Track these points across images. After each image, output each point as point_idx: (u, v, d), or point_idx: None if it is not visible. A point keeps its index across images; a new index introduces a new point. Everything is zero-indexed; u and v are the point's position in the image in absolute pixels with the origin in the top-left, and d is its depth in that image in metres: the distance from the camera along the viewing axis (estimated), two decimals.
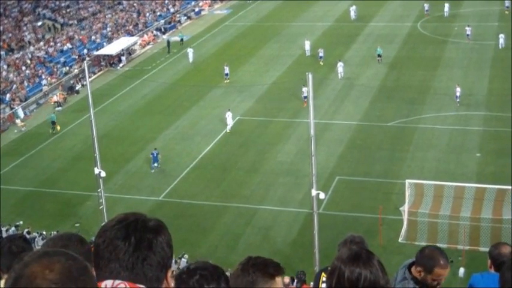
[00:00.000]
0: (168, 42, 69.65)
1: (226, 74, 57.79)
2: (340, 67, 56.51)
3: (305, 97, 46.90)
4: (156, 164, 42.22)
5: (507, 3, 72.72)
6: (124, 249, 2.72)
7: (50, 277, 2.29)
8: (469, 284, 6.94)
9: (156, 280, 2.76)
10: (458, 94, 48.98)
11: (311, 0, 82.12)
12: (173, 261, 30.04)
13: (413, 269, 5.62)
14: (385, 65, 58.49)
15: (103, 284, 2.69)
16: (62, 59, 64.08)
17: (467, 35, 63.84)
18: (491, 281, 6.36)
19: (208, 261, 3.74)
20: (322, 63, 59.67)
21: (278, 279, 3.82)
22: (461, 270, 28.77)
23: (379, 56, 59.77)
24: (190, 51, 65.25)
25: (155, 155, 42.29)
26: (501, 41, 60.90)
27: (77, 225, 36.24)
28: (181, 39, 70.56)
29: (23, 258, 2.43)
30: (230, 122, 47.45)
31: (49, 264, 2.33)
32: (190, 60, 64.41)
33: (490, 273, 6.57)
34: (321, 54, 60.41)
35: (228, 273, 3.75)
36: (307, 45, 63.14)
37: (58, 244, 3.47)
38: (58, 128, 50.47)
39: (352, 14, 74.09)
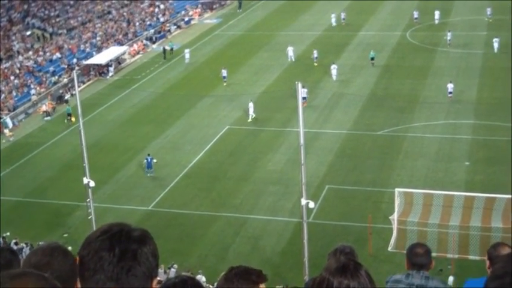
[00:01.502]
0: (164, 49, 69.74)
1: (224, 77, 59.02)
2: (333, 69, 57.91)
3: (304, 98, 46.67)
4: (151, 169, 42.29)
5: (489, 12, 73.42)
6: (109, 260, 2.70)
7: None
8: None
9: None
10: (450, 90, 51.03)
11: (301, 10, 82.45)
12: (162, 271, 29.99)
13: None
14: (375, 74, 58.67)
15: None
16: (51, 69, 63.92)
17: (448, 40, 65.28)
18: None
19: (190, 276, 3.81)
20: (316, 64, 61.62)
21: (262, 286, 3.89)
22: (451, 279, 28.80)
23: (372, 59, 60.94)
24: (187, 53, 66.74)
25: (149, 160, 42.22)
26: (496, 45, 61.87)
27: (66, 235, 36.03)
28: (171, 49, 70.61)
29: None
30: (252, 112, 50.16)
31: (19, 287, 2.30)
32: (187, 61, 66.09)
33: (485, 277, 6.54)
34: (315, 55, 62.44)
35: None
36: (291, 51, 64.26)
37: (42, 260, 3.41)
38: (73, 119, 51.28)
39: (333, 21, 75.27)
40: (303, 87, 49.36)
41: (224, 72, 59.36)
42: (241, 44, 71.88)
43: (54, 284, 2.37)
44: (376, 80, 57.19)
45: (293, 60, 63.91)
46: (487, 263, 6.79)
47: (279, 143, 46.09)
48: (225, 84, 58.95)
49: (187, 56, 66.69)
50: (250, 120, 50.21)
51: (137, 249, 2.73)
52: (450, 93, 51.61)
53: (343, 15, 76.31)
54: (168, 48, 70.44)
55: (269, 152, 44.77)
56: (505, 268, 1.99)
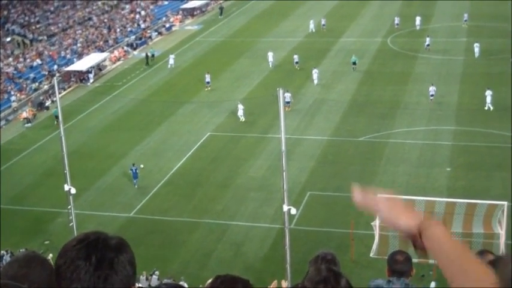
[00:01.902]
0: (147, 55, 69.67)
1: (208, 82, 59.22)
2: (315, 74, 58.57)
3: (288, 102, 49.66)
4: (135, 181, 41.75)
5: (465, 17, 74.21)
6: (85, 269, 2.66)
7: None
8: None
9: None
10: (432, 93, 52.06)
11: (282, 16, 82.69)
12: (144, 277, 29.85)
13: None
14: (356, 80, 58.90)
15: None
16: (32, 75, 63.57)
17: (427, 45, 65.92)
18: None
19: (176, 282, 3.76)
20: (298, 68, 62.60)
21: None
22: (433, 284, 28.92)
23: (354, 64, 61.58)
24: (171, 58, 67.29)
25: (134, 170, 41.77)
26: (476, 49, 62.63)
27: (47, 242, 35.79)
28: (153, 55, 70.52)
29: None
30: (241, 113, 51.18)
31: None
32: (169, 66, 66.59)
33: None
34: (296, 59, 63.37)
35: None
36: (271, 56, 64.72)
37: (20, 271, 3.34)
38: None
39: (311, 28, 75.69)
40: (287, 91, 51.21)
41: (208, 78, 59.53)
42: (222, 50, 71.92)
43: None
44: (358, 86, 57.39)
45: (273, 66, 64.21)
46: None
47: (261, 149, 46.09)
48: (208, 89, 59.14)
49: (171, 61, 66.92)
50: (242, 120, 50.76)
51: (114, 257, 2.69)
52: (432, 95, 52.46)
53: (323, 21, 76.69)
54: (149, 54, 70.34)
55: (251, 158, 44.76)
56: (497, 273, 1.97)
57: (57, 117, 52.80)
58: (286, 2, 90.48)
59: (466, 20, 73.88)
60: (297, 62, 63.24)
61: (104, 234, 2.80)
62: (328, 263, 6.09)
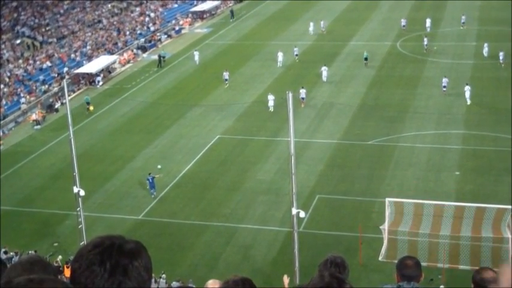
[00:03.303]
0: (160, 56, 69.87)
1: (226, 80, 60.97)
2: (324, 71, 59.83)
3: (303, 98, 53.14)
4: (152, 190, 40.92)
5: (463, 19, 74.45)
6: (99, 275, 2.67)
7: None
8: None
9: None
10: (445, 84, 54.38)
11: (291, 20, 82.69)
12: (152, 280, 29.88)
13: None
14: (365, 84, 58.83)
15: None
16: (41, 77, 63.78)
17: (425, 45, 67.25)
18: None
19: (185, 285, 3.81)
20: (297, 60, 66.19)
21: None
22: None
23: (365, 59, 63.35)
24: (196, 54, 69.03)
25: (151, 180, 40.95)
26: (485, 50, 63.75)
27: (56, 244, 35.91)
28: (164, 57, 70.75)
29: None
30: (272, 104, 52.76)
31: None
32: (197, 62, 68.41)
33: None
34: (296, 52, 66.80)
35: None
36: (280, 56, 65.57)
37: (22, 275, 3.33)
38: (91, 108, 56.74)
39: (311, 30, 76.48)
40: (302, 87, 54.14)
41: (226, 75, 61.12)
42: (231, 53, 71.97)
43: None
44: (367, 90, 57.31)
45: (281, 65, 65.20)
46: (472, 286, 6.87)
47: (270, 152, 46.07)
48: (226, 86, 60.51)
49: (196, 57, 68.86)
50: (271, 111, 52.17)
51: (128, 264, 2.70)
52: (444, 87, 54.30)
53: (322, 24, 76.99)
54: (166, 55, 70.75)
55: (259, 162, 44.75)
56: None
57: (88, 103, 57.01)
58: (296, 5, 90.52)
59: (463, 23, 74.37)
60: (296, 55, 66.39)
61: (120, 239, 2.80)
62: (338, 267, 6.10)
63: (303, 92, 53.78)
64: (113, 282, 2.66)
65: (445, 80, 54.91)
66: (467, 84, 53.36)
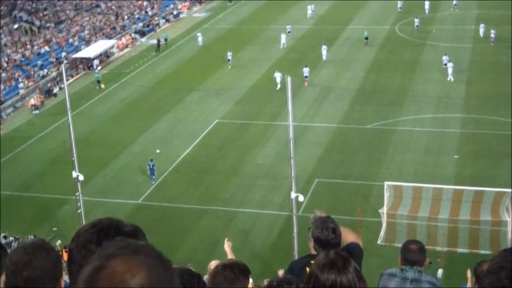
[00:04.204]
0: (158, 41, 69.68)
1: (229, 60, 61.81)
2: (324, 50, 60.85)
3: (306, 77, 54.53)
4: (153, 177, 40.93)
5: (455, 2, 74.65)
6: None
7: (131, 282, 2.12)
8: None
9: None
10: (445, 62, 55.37)
11: (290, 4, 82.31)
12: None
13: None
14: (364, 68, 58.74)
15: None
16: (39, 62, 63.60)
17: (416, 26, 68.48)
18: None
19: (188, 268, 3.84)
20: (289, 37, 67.58)
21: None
22: (440, 272, 28.89)
23: (366, 38, 64.59)
24: (199, 36, 69.56)
25: (151, 166, 41.00)
26: (481, 30, 64.49)
27: (55, 229, 35.96)
28: (166, 39, 70.83)
29: (108, 247, 2.27)
30: (279, 80, 52.93)
31: (134, 267, 2.15)
32: (200, 43, 68.96)
33: None
34: (288, 29, 68.62)
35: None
36: (283, 38, 66.25)
37: (24, 258, 3.32)
38: (103, 86, 58.22)
39: (309, 13, 76.74)
40: (305, 66, 55.33)
41: (229, 55, 61.80)
42: (230, 37, 71.76)
43: (172, 277, 2.24)
44: (366, 74, 57.23)
45: (285, 47, 65.93)
46: (473, 279, 6.88)
47: (268, 136, 46.06)
48: (230, 67, 61.13)
49: (200, 39, 69.28)
50: (278, 88, 52.39)
51: None
52: (445, 64, 55.35)
53: (312, 7, 77.04)
54: (162, 40, 70.40)
55: (258, 146, 44.75)
56: (501, 263, 1.94)
57: (99, 81, 58.68)
58: None
59: (455, 5, 74.57)
60: (289, 32, 68.48)
61: (118, 221, 2.79)
62: (334, 233, 6.16)
63: (306, 71, 54.92)
64: None
65: (445, 58, 56.03)
66: (450, 61, 54.82)
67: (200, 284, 4.16)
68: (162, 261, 2.22)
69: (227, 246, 8.89)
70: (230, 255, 8.51)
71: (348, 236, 6.51)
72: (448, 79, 53.89)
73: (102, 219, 2.81)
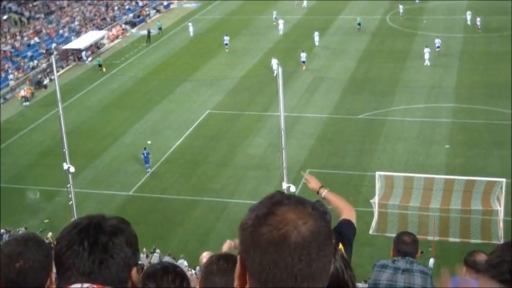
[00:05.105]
0: (148, 31, 69.44)
1: (226, 44, 63.09)
2: (316, 36, 61.92)
3: (303, 61, 55.92)
4: (147, 165, 40.99)
5: None
6: (79, 255, 2.63)
7: (301, 229, 2.15)
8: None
9: (118, 282, 2.67)
10: (438, 45, 57.37)
11: None
12: (144, 255, 29.92)
13: None
14: (355, 58, 58.76)
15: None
16: (29, 53, 63.29)
17: (400, 12, 70.17)
18: None
19: (172, 263, 3.83)
20: (274, 24, 67.98)
21: None
22: (431, 261, 28.99)
23: (358, 24, 65.68)
24: (190, 26, 69.68)
25: (145, 155, 41.09)
26: (468, 17, 65.63)
27: (46, 221, 35.87)
28: (160, 28, 70.90)
29: (275, 197, 2.31)
30: (276, 67, 51.68)
31: (304, 216, 2.19)
32: (191, 34, 68.95)
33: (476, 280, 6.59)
34: (274, 15, 69.33)
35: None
36: (281, 24, 67.36)
37: (16, 249, 3.33)
38: (104, 69, 59.87)
39: (304, 4, 77.66)
40: (302, 51, 56.45)
41: (226, 40, 62.89)
42: (220, 28, 71.53)
43: (330, 230, 2.28)
44: (357, 64, 57.25)
45: (281, 34, 66.86)
46: (464, 270, 6.91)
47: (260, 127, 46.04)
48: (227, 50, 62.36)
49: (191, 28, 69.33)
50: (275, 75, 51.48)
51: (108, 241, 2.65)
52: (438, 47, 57.20)
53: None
54: (154, 30, 70.25)
55: (249, 136, 44.73)
56: (501, 256, 1.93)
57: (100, 65, 59.99)
58: None
59: None
60: (275, 18, 69.79)
61: (98, 218, 2.76)
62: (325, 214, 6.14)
63: (303, 56, 56.24)
64: (94, 261, 2.63)
65: (437, 41, 57.39)
66: (426, 47, 56.06)
67: (184, 285, 4.14)
68: (323, 215, 2.27)
69: (226, 246, 8.75)
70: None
71: (341, 207, 6.56)
72: (425, 64, 54.98)
73: (83, 219, 2.78)
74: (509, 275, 1.90)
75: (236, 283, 2.27)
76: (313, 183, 6.87)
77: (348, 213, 6.62)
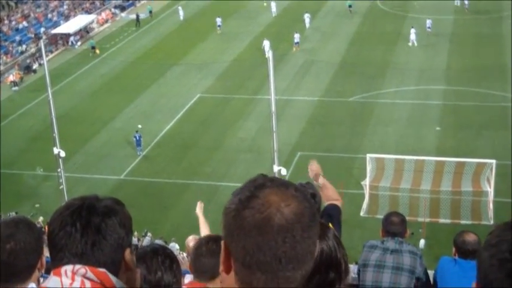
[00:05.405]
0: (137, 16, 69.11)
1: (219, 26, 63.67)
2: (307, 18, 61.97)
3: (297, 43, 56.28)
4: (139, 148, 41.06)
5: None
6: (72, 236, 2.61)
7: (284, 212, 2.13)
8: (439, 267, 6.99)
9: (111, 263, 2.65)
10: (429, 25, 58.06)
11: None
12: (136, 239, 29.92)
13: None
14: (346, 40, 58.70)
15: (62, 269, 2.58)
16: (18, 38, 62.88)
17: None
18: (467, 268, 6.41)
19: (162, 245, 3.84)
20: (265, 4, 68.84)
21: None
22: (422, 242, 29.15)
23: (349, 6, 65.67)
24: (180, 10, 69.45)
25: (137, 138, 41.11)
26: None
27: (37, 205, 35.81)
28: (150, 12, 70.61)
29: (257, 180, 2.30)
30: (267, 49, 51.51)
31: (286, 198, 2.17)
32: (181, 17, 68.68)
33: (466, 260, 6.63)
34: (273, 9, 68.09)
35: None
36: (274, 7, 67.67)
37: (6, 231, 3.33)
38: (97, 51, 59.83)
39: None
40: (296, 32, 56.83)
41: (219, 21, 63.18)
42: (210, 11, 71.17)
43: (315, 212, 2.25)
44: (348, 47, 57.19)
45: (274, 16, 67.30)
46: (453, 249, 6.95)
47: (251, 110, 46.01)
48: (219, 32, 62.80)
49: (181, 12, 68.99)
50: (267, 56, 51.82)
51: (100, 222, 2.63)
52: (429, 27, 58.01)
53: None
54: (144, 14, 69.89)
55: (240, 120, 44.71)
56: (501, 236, 1.93)
57: (93, 47, 60.13)
58: None
59: None
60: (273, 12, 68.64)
61: (92, 198, 2.73)
62: (313, 197, 6.18)
63: (297, 37, 56.69)
64: (86, 243, 2.60)
65: (429, 22, 58.04)
66: (412, 27, 56.61)
67: (174, 266, 4.15)
68: (306, 196, 2.25)
69: (199, 208, 8.72)
70: (202, 219, 8.39)
71: (327, 193, 6.62)
72: (410, 44, 55.53)
73: (75, 200, 2.75)
74: (509, 253, 1.89)
75: (221, 268, 2.23)
76: (316, 169, 7.58)
77: (334, 195, 6.77)
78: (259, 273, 2.13)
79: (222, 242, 2.23)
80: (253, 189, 2.22)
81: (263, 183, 2.24)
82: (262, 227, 2.11)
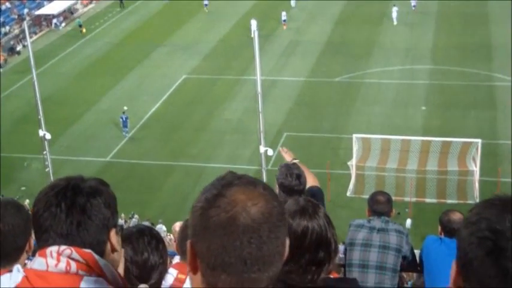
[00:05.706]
0: None
1: (206, 4, 63.81)
2: None
3: (284, 20, 57.04)
4: (125, 129, 41.04)
5: None
6: (57, 216, 2.59)
7: (251, 211, 2.06)
8: (425, 246, 7.02)
9: (97, 243, 2.63)
10: (414, 4, 58.73)
11: None
12: (122, 221, 29.89)
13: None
14: (332, 21, 58.57)
15: (48, 250, 2.56)
16: (1, 19, 62.25)
17: None
18: (453, 247, 6.43)
19: (148, 226, 3.83)
20: None
21: None
22: (408, 221, 29.34)
23: None
24: None
25: (124, 119, 41.04)
26: None
27: (23, 188, 35.69)
28: None
29: (225, 178, 2.23)
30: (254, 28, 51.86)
31: (254, 197, 2.10)
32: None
33: (452, 239, 6.66)
34: None
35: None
36: None
37: None
38: (84, 30, 60.65)
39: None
40: (283, 10, 57.42)
41: (206, 0, 63.84)
42: None
43: (283, 211, 2.18)
44: (333, 27, 57.08)
45: None
46: (439, 228, 7.00)
47: (237, 91, 45.93)
48: (206, 11, 63.36)
49: None
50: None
51: (85, 202, 2.61)
52: (414, 6, 58.69)
53: None
54: None
55: (226, 101, 44.63)
56: (481, 214, 1.91)
57: (80, 26, 60.47)
58: None
59: None
60: None
61: (76, 179, 2.71)
62: (298, 179, 6.18)
63: (284, 15, 57.38)
64: (72, 222, 2.59)
65: (414, 1, 58.66)
66: (394, 6, 56.84)
67: (160, 247, 4.15)
68: (275, 195, 2.19)
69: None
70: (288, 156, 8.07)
71: (308, 179, 6.62)
72: (395, 23, 56.16)
73: (61, 180, 2.73)
74: (488, 231, 1.87)
75: (188, 269, 2.17)
76: (287, 157, 7.59)
77: (313, 182, 6.83)
78: (225, 274, 2.06)
79: (188, 242, 2.14)
80: (221, 187, 2.16)
81: (231, 181, 2.18)
82: (227, 227, 2.04)
